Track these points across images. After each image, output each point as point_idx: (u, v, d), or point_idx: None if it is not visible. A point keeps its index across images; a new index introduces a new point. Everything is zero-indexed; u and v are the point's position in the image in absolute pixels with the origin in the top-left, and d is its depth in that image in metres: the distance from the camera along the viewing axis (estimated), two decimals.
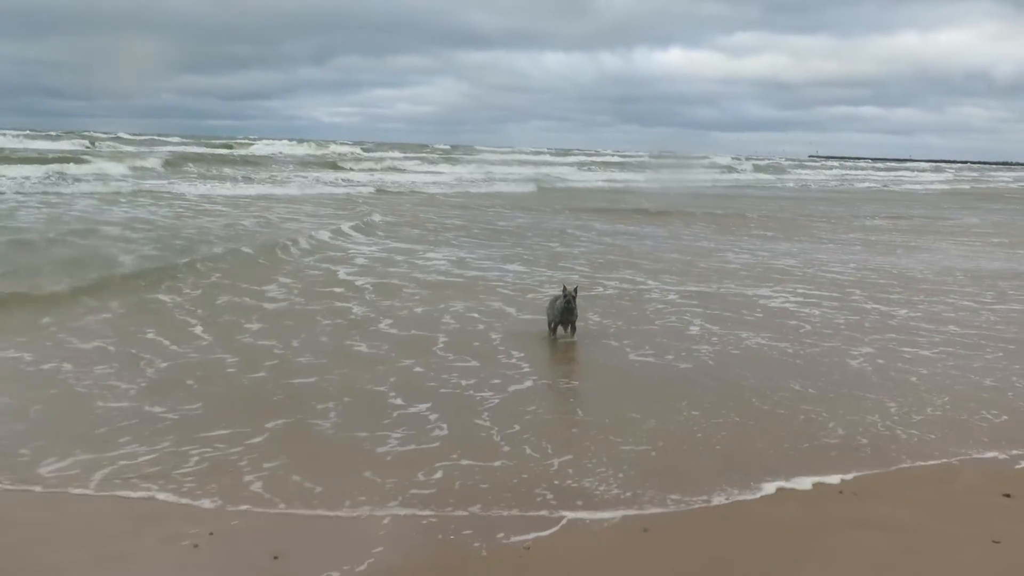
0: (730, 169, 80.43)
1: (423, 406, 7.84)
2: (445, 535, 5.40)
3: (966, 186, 72.87)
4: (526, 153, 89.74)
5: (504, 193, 40.88)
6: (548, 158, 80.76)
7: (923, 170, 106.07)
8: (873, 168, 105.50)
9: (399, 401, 7.97)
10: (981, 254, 22.03)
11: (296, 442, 6.94)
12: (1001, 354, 10.69)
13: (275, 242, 17.56)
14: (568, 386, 8.88)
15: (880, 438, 7.48)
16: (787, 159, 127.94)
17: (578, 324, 10.79)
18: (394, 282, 14.37)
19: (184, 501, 5.80)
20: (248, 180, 38.80)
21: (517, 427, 7.37)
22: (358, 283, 14.13)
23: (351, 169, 50.14)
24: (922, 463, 6.96)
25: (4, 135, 55.04)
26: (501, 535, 5.40)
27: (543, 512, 5.75)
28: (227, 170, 45.00)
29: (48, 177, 32.97)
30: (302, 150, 62.95)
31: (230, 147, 58.89)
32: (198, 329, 10.63)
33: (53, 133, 68.05)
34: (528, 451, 6.86)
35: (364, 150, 68.47)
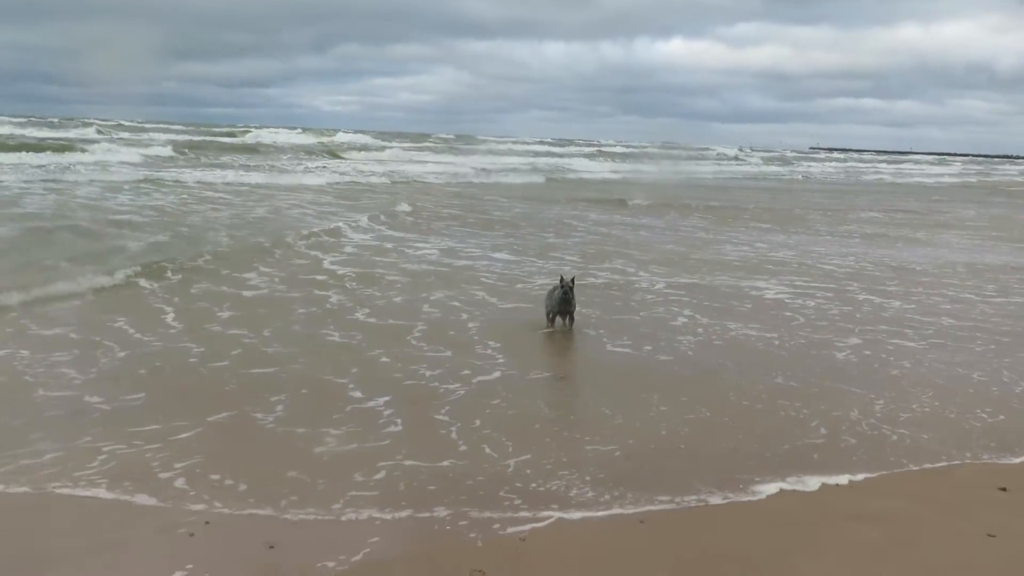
0: (738, 160, 79.69)
1: (382, 399, 7.52)
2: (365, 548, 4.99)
3: (973, 179, 72.09)
4: (530, 143, 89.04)
5: (516, 184, 40.01)
6: (554, 148, 79.93)
7: (930, 163, 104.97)
8: (879, 160, 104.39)
9: (357, 394, 7.65)
10: (998, 247, 21.63)
11: (229, 437, 6.59)
12: (994, 347, 10.37)
13: (312, 235, 17.21)
14: (538, 378, 8.51)
15: (864, 437, 7.16)
16: (791, 151, 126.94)
17: (544, 312, 10.54)
18: (378, 271, 14.07)
19: (88, 494, 5.50)
20: (269, 169, 37.98)
21: (478, 422, 7.04)
22: (340, 272, 13.84)
23: (353, 159, 49.35)
24: (901, 468, 6.63)
25: (8, 123, 54.74)
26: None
27: (495, 526, 5.28)
28: (242, 159, 44.24)
29: (61, 166, 32.35)
30: (308, 139, 62.37)
31: (233, 135, 58.43)
32: (169, 318, 10.36)
33: (55, 120, 67.84)
34: (485, 450, 6.51)
35: (374, 139, 67.93)
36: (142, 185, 27.98)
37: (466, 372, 8.46)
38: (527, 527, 5.29)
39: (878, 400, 8.11)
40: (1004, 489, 6.05)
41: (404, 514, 5.40)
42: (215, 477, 5.79)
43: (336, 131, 77.76)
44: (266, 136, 60.71)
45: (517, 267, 15.22)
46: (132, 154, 39.09)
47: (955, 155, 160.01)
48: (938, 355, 9.94)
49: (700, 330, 10.79)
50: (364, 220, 20.73)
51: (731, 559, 4.99)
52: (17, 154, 34.09)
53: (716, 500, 5.78)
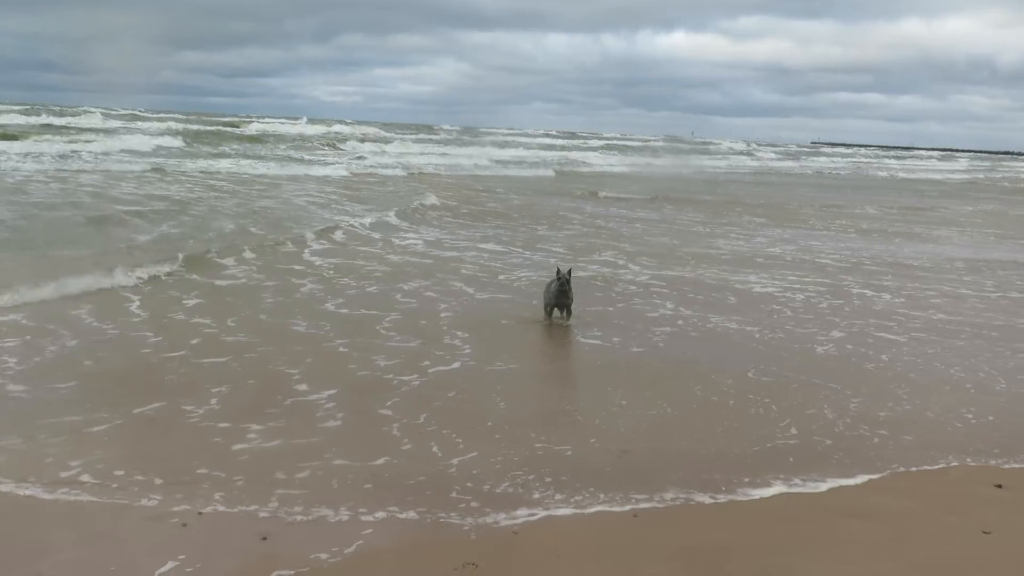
0: (749, 155, 78.85)
1: (327, 392, 7.20)
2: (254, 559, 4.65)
3: (981, 175, 71.22)
4: (536, 135, 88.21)
5: (542, 178, 38.96)
6: (565, 141, 79.02)
7: (935, 159, 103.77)
8: (885, 156, 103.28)
9: (303, 387, 7.33)
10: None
11: (149, 431, 6.26)
12: (980, 342, 10.04)
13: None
14: (499, 369, 8.19)
15: (841, 439, 6.84)
16: (794, 145, 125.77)
17: (534, 305, 10.24)
18: (358, 262, 13.79)
19: None
20: (287, 160, 37.20)
21: (423, 417, 6.72)
22: (317, 262, 13.56)
23: (361, 151, 48.30)
24: (871, 473, 6.31)
25: (8, 111, 54.52)
26: None
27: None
28: (255, 149, 43.34)
29: (69, 155, 31.90)
30: (314, 130, 61.77)
31: (236, 125, 58.03)
32: (134, 306, 10.10)
33: (55, 108, 67.63)
34: (426, 448, 6.17)
35: (381, 130, 67.51)
36: (148, 175, 27.32)
37: (425, 363, 8.17)
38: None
39: (855, 398, 7.78)
40: (1000, 486, 5.91)
41: (315, 516, 5.10)
42: (120, 473, 5.47)
43: (339, 121, 77.40)
44: (273, 127, 60.19)
45: (502, 258, 14.92)
46: (142, 143, 38.47)
47: (957, 151, 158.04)
48: (920, 349, 9.63)
49: (681, 322, 10.48)
50: (392, 216, 19.96)
51: (723, 555, 4.78)
52: (19, 141, 33.62)
53: (662, 504, 5.47)
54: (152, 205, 18.93)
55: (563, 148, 67.04)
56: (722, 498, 5.59)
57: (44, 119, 48.20)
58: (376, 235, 16.86)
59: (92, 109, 65.61)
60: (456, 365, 8.18)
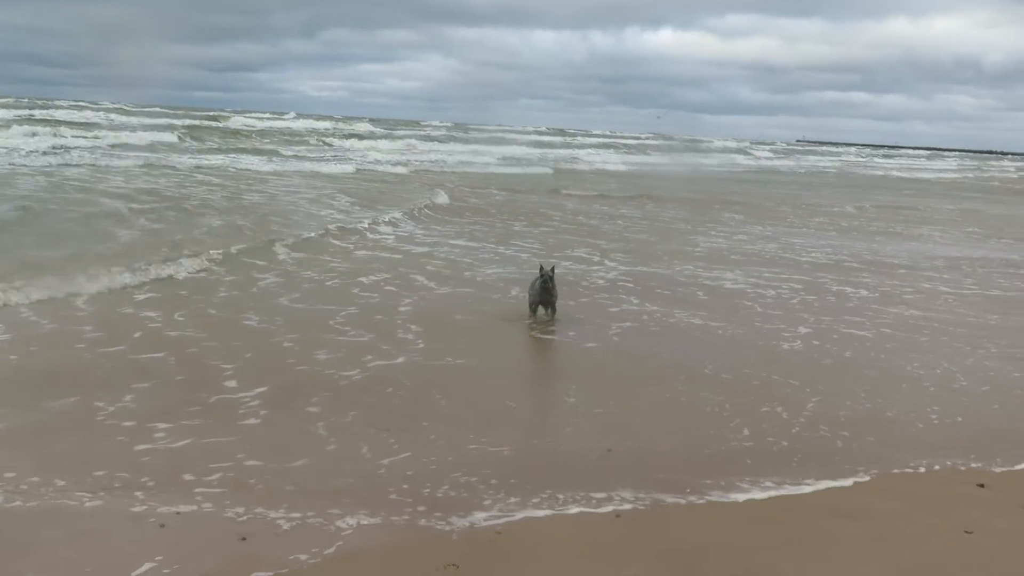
0: (744, 154, 78.37)
1: (258, 389, 6.90)
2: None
3: (971, 175, 71.00)
4: (529, 133, 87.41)
5: (543, 175, 38.50)
6: (558, 139, 78.19)
7: (925, 157, 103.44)
8: (876, 155, 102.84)
9: (232, 383, 7.04)
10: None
11: (52, 428, 5.97)
12: (946, 338, 9.82)
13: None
14: (446, 364, 7.91)
15: (794, 439, 6.59)
16: (785, 144, 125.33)
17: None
18: (324, 257, 13.51)
19: None
20: (288, 157, 36.38)
21: (351, 416, 6.42)
22: (281, 257, 13.26)
23: (357, 148, 47.10)
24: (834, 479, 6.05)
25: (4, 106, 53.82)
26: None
27: (314, 546, 4.60)
28: (247, 144, 42.62)
29: (69, 148, 31.34)
30: (308, 124, 60.90)
31: (216, 119, 57.30)
32: (79, 301, 9.81)
33: (40, 101, 66.94)
34: (352, 448, 5.88)
35: (375, 127, 66.87)
36: (139, 168, 26.83)
37: (368, 357, 7.90)
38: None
39: (813, 396, 7.52)
40: (982, 485, 5.82)
41: (223, 519, 4.84)
42: (11, 475, 5.17)
43: (328, 117, 76.88)
44: (264, 122, 59.48)
45: (472, 254, 14.66)
46: (137, 138, 37.82)
47: (943, 150, 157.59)
48: (883, 345, 9.40)
49: (646, 317, 10.25)
50: (397, 215, 19.67)
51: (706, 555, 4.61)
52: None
53: (592, 508, 5.20)
54: (141, 200, 18.58)
55: (560, 146, 66.06)
56: (673, 500, 5.34)
57: (35, 112, 47.49)
58: (355, 234, 16.55)
59: (82, 102, 65.03)
60: (400, 360, 7.91)
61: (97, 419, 6.14)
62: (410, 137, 56.96)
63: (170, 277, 11.21)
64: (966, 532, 5.11)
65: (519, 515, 5.03)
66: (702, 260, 15.17)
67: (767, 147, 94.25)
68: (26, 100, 67.27)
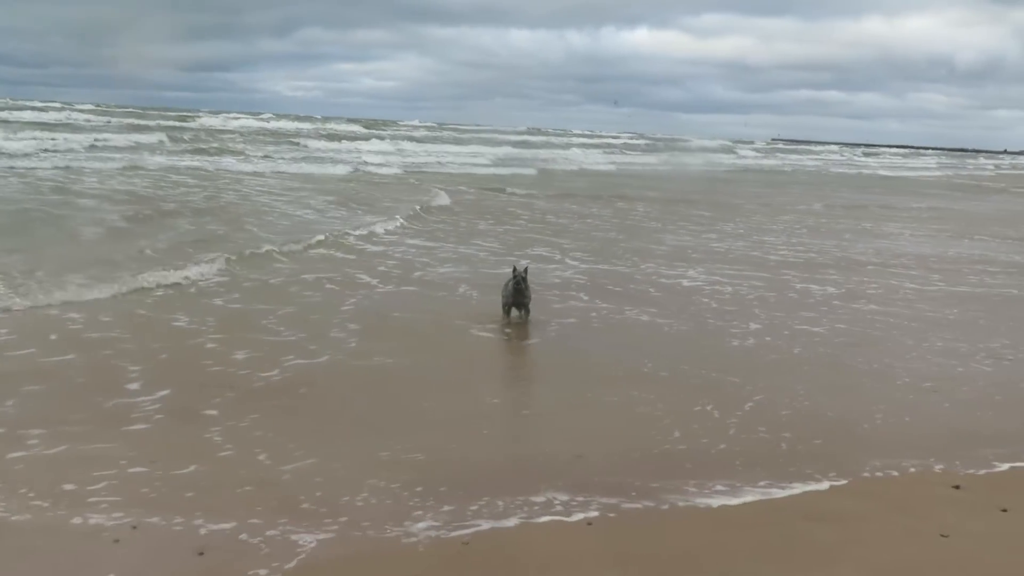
0: (729, 152, 78.01)
1: (160, 393, 6.51)
2: None
3: (951, 172, 71.05)
4: (508, 132, 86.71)
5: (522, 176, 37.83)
6: (540, 139, 77.49)
7: (903, 156, 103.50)
8: (855, 154, 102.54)
9: (135, 386, 6.65)
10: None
11: None
12: (897, 332, 9.55)
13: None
14: (371, 364, 7.56)
15: (732, 440, 6.27)
16: (766, 143, 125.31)
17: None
18: (267, 248, 13.08)
19: None
20: (272, 158, 35.57)
21: (250, 419, 6.03)
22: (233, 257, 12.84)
23: (338, 149, 45.98)
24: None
25: None
26: None
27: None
28: (227, 145, 41.58)
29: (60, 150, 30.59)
30: (283, 125, 60.10)
31: (184, 119, 56.65)
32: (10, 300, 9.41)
33: (5, 100, 65.87)
34: (247, 454, 5.51)
35: (364, 127, 66.21)
36: (126, 172, 26.17)
37: (290, 357, 7.55)
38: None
39: (756, 395, 7.21)
40: (957, 487, 5.62)
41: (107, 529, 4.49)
42: None
43: (308, 118, 76.30)
44: (242, 122, 58.79)
45: (428, 254, 14.31)
46: (121, 140, 37.02)
47: (919, 148, 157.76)
48: (835, 340, 9.13)
49: (594, 314, 9.96)
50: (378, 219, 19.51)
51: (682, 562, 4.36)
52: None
53: (494, 525, 4.86)
54: (117, 199, 18.18)
55: (542, 146, 65.34)
56: (631, 505, 5.06)
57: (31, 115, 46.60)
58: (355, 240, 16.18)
59: (54, 103, 64.10)
60: (324, 359, 7.57)
61: None
62: (396, 138, 56.24)
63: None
64: (942, 536, 4.89)
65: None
66: (664, 258, 14.88)
67: (748, 146, 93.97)
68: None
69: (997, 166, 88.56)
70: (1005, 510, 5.24)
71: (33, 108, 53.15)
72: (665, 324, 9.51)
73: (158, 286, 10.30)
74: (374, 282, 11.26)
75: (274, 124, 59.87)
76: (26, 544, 4.32)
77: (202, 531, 4.48)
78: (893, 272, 14.49)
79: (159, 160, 30.26)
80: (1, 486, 4.90)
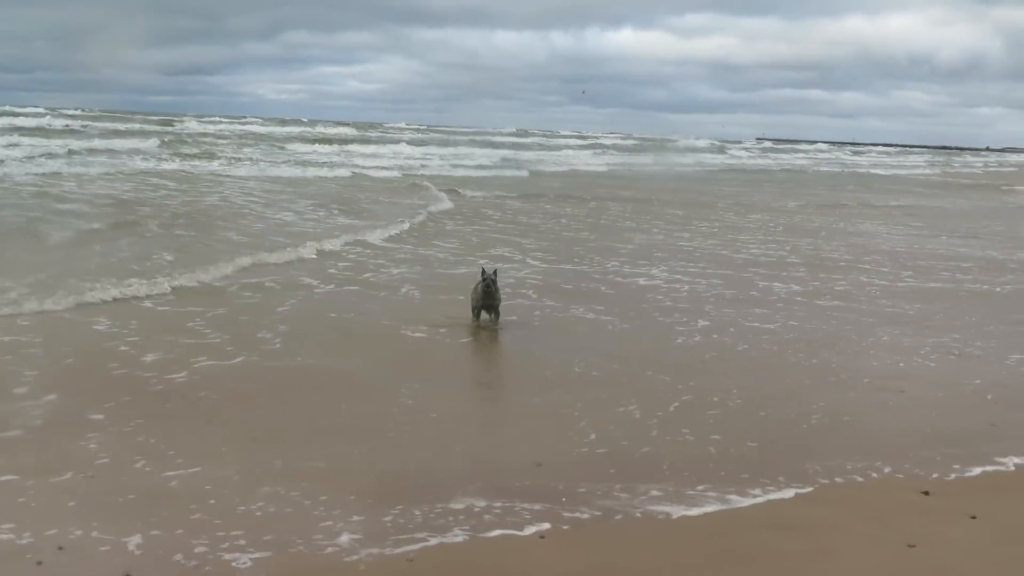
0: (721, 152, 77.53)
1: (47, 397, 6.16)
2: None
3: (938, 170, 70.74)
4: (496, 134, 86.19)
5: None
6: (530, 140, 76.78)
7: (889, 154, 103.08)
8: (842, 152, 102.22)
9: (22, 390, 6.30)
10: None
11: None
12: (849, 327, 9.21)
13: None
14: (286, 366, 7.21)
15: (654, 443, 5.92)
16: (754, 141, 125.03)
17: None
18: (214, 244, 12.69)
19: None
20: (262, 162, 35.13)
21: (135, 424, 5.67)
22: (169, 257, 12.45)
23: (328, 152, 45.07)
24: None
25: None
26: None
27: None
28: (220, 150, 40.75)
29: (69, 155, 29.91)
30: (270, 129, 59.49)
31: (170, 122, 56.25)
32: None
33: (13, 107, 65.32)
34: (126, 461, 5.17)
35: (357, 130, 65.84)
36: (106, 176, 25.56)
37: (202, 358, 7.19)
38: None
39: (685, 394, 6.87)
40: (927, 493, 5.44)
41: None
42: None
43: (295, 121, 75.94)
44: (232, 126, 58.31)
45: (384, 255, 13.94)
46: (118, 144, 36.37)
47: (903, 146, 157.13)
48: (785, 336, 8.80)
49: (537, 312, 9.64)
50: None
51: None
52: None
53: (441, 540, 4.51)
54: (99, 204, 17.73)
55: (535, 147, 64.52)
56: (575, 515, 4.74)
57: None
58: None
59: (39, 108, 63.61)
60: (238, 360, 7.21)
61: None
62: (390, 141, 55.60)
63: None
64: (909, 546, 4.68)
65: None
66: (628, 256, 14.52)
67: (738, 146, 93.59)
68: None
69: (985, 164, 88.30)
70: (974, 517, 5.02)
71: (13, 114, 52.66)
72: (609, 322, 9.18)
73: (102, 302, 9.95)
74: (315, 283, 10.89)
75: (266, 128, 59.35)
76: None
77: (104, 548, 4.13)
78: (865, 269, 14.15)
79: (140, 164, 29.74)
80: None
